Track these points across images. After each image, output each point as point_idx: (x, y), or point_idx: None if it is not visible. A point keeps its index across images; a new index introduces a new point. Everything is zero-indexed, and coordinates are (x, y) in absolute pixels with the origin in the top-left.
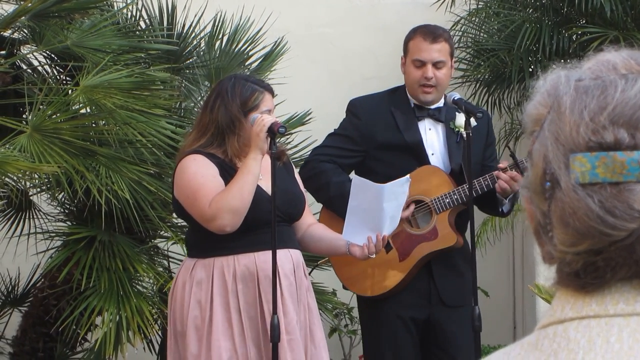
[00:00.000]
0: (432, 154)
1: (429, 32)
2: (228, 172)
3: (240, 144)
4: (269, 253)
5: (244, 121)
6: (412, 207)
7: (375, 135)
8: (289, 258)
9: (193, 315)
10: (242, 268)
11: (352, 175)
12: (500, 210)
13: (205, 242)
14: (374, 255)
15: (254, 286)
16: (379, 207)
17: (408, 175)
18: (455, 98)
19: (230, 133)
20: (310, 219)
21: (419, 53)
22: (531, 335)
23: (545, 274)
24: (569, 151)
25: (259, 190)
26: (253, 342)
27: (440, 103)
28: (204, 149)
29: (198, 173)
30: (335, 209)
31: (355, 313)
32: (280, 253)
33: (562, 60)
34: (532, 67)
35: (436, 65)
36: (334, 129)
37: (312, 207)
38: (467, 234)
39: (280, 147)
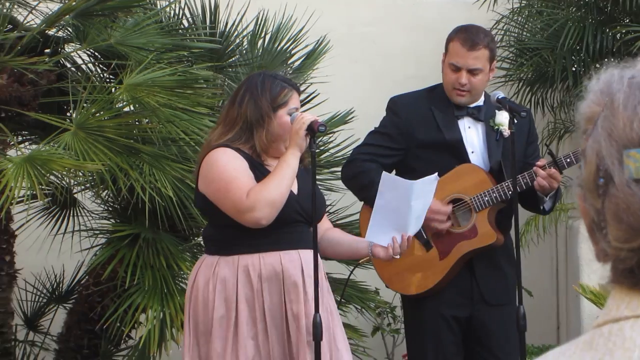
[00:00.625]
0: (472, 152)
1: (468, 39)
2: (257, 167)
3: (268, 139)
4: (294, 253)
5: (273, 117)
6: (449, 223)
7: (414, 133)
8: (311, 259)
9: (219, 314)
10: (267, 267)
11: (383, 173)
12: (541, 208)
13: (229, 238)
14: (398, 256)
15: (279, 286)
16: (407, 205)
17: (436, 174)
18: (499, 97)
19: (259, 127)
20: (327, 224)
21: (456, 58)
22: (586, 334)
23: (590, 274)
24: (622, 147)
25: None
26: (277, 342)
27: (480, 102)
28: (232, 143)
29: (230, 165)
30: None
31: (398, 312)
32: (304, 254)
33: (606, 60)
34: (575, 66)
35: (472, 72)
36: (375, 127)
37: (355, 205)
38: (511, 233)
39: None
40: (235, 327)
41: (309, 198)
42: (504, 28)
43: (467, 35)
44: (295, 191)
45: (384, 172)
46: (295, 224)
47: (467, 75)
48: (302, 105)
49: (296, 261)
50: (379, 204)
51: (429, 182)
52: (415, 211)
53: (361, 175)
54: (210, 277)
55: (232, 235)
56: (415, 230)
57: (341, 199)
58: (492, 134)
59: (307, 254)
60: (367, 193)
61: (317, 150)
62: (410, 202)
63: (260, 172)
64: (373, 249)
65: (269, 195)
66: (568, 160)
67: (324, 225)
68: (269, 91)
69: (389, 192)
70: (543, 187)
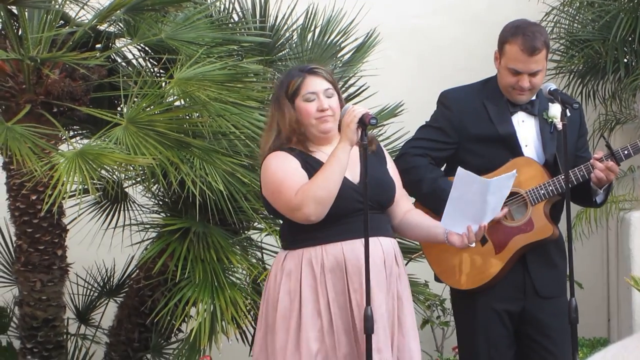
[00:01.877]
0: (526, 146)
1: (528, 45)
2: (309, 163)
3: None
4: (357, 242)
5: (292, 109)
6: (507, 208)
7: (467, 127)
8: (378, 246)
9: (283, 306)
10: (330, 258)
11: (458, 168)
12: (594, 200)
13: (295, 233)
14: (473, 245)
15: (342, 276)
16: (482, 200)
17: (514, 171)
18: (551, 89)
19: (286, 124)
20: (407, 205)
21: (516, 64)
22: None
23: None
24: None
25: (344, 180)
26: (344, 331)
27: (533, 96)
28: (282, 144)
29: (279, 167)
30: (427, 205)
31: (448, 304)
32: (372, 241)
33: None
34: (628, 57)
35: (533, 74)
36: (426, 121)
37: None
38: (562, 225)
39: (371, 136)
40: (299, 320)
41: (374, 183)
42: (554, 20)
43: (525, 40)
44: (355, 180)
45: (459, 167)
46: (357, 213)
47: (528, 78)
48: (352, 98)
49: (359, 250)
50: (453, 195)
51: (506, 179)
52: (491, 204)
53: (411, 171)
54: (278, 271)
55: (297, 229)
56: (489, 220)
57: None
58: (546, 127)
59: (373, 242)
60: (416, 189)
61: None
62: (486, 197)
63: (313, 167)
64: (449, 236)
65: (314, 192)
66: (626, 152)
67: (404, 208)
68: (280, 87)
69: (464, 187)
70: (600, 180)
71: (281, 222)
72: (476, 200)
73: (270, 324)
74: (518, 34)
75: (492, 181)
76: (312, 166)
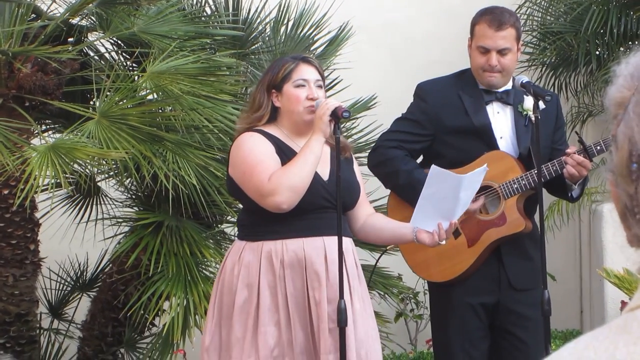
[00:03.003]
0: (501, 138)
1: (495, 19)
2: (283, 151)
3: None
4: (318, 239)
5: (279, 94)
6: (482, 199)
7: (443, 119)
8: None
9: (241, 299)
10: (290, 254)
11: (432, 165)
12: (569, 195)
13: (256, 224)
14: (444, 242)
15: (301, 272)
16: (455, 196)
17: (485, 165)
18: (523, 81)
19: (264, 109)
20: (369, 209)
21: (484, 40)
22: (619, 318)
23: (614, 258)
24: None
25: (314, 175)
26: (301, 328)
27: (509, 86)
28: (259, 126)
29: (254, 149)
30: (403, 197)
31: (421, 297)
32: (329, 240)
33: (630, 43)
34: (599, 49)
35: (501, 52)
36: (402, 114)
37: (379, 191)
38: (536, 218)
39: (344, 141)
40: (257, 314)
41: (344, 185)
42: (527, 12)
43: (493, 17)
44: (325, 177)
45: (433, 165)
46: (321, 210)
47: (496, 56)
48: (325, 92)
49: (320, 248)
50: (426, 192)
51: (478, 174)
52: (462, 200)
53: (386, 163)
54: (236, 262)
55: (258, 221)
56: (459, 216)
57: (365, 184)
58: (520, 119)
59: (332, 241)
60: (392, 181)
61: (338, 136)
62: (458, 194)
63: (286, 155)
64: (418, 234)
65: (289, 180)
66: (598, 147)
67: (366, 211)
68: (271, 71)
69: (437, 184)
70: (572, 175)
71: (241, 208)
72: (448, 196)
73: (226, 314)
74: (486, 13)
75: (466, 177)
76: (285, 154)
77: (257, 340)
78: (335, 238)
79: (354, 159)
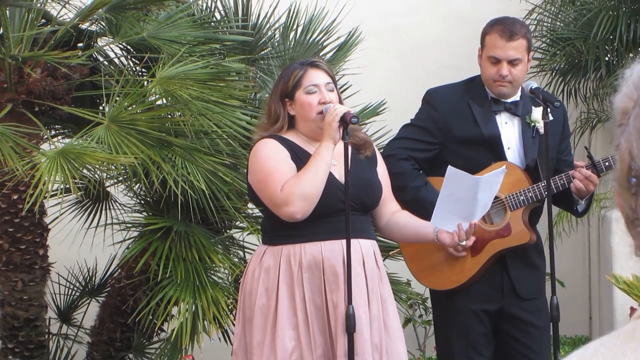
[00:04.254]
0: (508, 149)
1: (506, 30)
2: (299, 156)
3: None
4: (337, 242)
5: (291, 102)
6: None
7: (452, 128)
8: (357, 249)
9: (260, 302)
10: (308, 257)
11: (449, 166)
12: (575, 209)
13: (276, 229)
14: (464, 243)
15: (319, 276)
16: (473, 197)
17: (504, 166)
18: (533, 87)
19: (281, 117)
20: (394, 206)
21: (494, 50)
22: (627, 325)
23: (623, 264)
24: None
25: (330, 178)
26: (320, 331)
27: (517, 97)
28: (276, 132)
29: (269, 157)
30: (410, 211)
31: (430, 303)
32: (352, 243)
33: None
34: (609, 56)
35: (512, 62)
36: (410, 119)
37: None
38: (545, 225)
39: (365, 139)
40: (275, 317)
41: (360, 185)
42: (537, 18)
43: (504, 27)
44: (342, 180)
45: (449, 166)
46: (340, 213)
47: (507, 67)
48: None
49: (338, 251)
50: (444, 193)
51: (496, 175)
52: (481, 201)
53: (395, 177)
54: (256, 266)
55: (278, 225)
56: (480, 217)
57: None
58: (528, 130)
59: (353, 244)
60: (399, 196)
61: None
62: (477, 195)
63: (302, 160)
64: (439, 234)
65: (301, 189)
66: (607, 164)
67: (391, 209)
68: (281, 80)
69: (454, 185)
70: (579, 190)
71: (263, 215)
72: (466, 197)
73: (248, 317)
74: (497, 23)
75: (483, 178)
76: (301, 160)
77: (276, 344)
78: (355, 241)
79: (378, 156)
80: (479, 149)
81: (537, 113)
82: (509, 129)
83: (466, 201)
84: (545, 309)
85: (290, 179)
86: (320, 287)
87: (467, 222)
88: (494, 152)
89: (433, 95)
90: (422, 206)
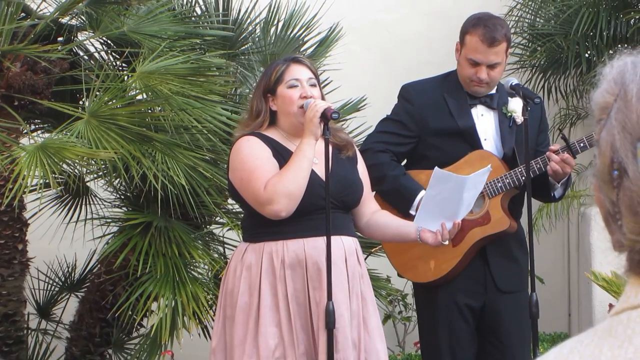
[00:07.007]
0: (485, 140)
1: (488, 35)
2: (281, 153)
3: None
4: (319, 239)
5: (273, 97)
6: None
7: (427, 120)
8: (340, 245)
9: (243, 300)
10: (290, 254)
11: (435, 168)
12: (552, 195)
13: (257, 226)
14: (447, 242)
15: (302, 273)
16: (458, 197)
17: (489, 165)
18: (513, 84)
19: (263, 113)
20: (374, 206)
21: (475, 54)
22: (604, 322)
23: (602, 261)
24: (636, 140)
25: (312, 175)
26: (302, 328)
27: (493, 90)
28: (256, 129)
29: (251, 155)
30: (389, 201)
31: (409, 300)
32: (333, 240)
33: (619, 46)
34: (589, 52)
35: (491, 66)
36: (387, 114)
37: None
38: (523, 220)
39: (346, 139)
40: (257, 315)
41: (342, 183)
42: (517, 14)
43: (486, 31)
44: (323, 177)
45: (436, 167)
46: (321, 211)
47: (486, 70)
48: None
49: (320, 248)
50: (429, 194)
51: (481, 174)
52: (466, 200)
53: (373, 168)
54: (238, 263)
55: (259, 222)
56: (463, 216)
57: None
58: (505, 121)
59: (335, 241)
60: (378, 186)
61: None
62: (462, 195)
63: (283, 157)
64: (421, 234)
65: (285, 187)
66: (582, 145)
67: (371, 208)
68: (264, 76)
69: (440, 185)
70: (556, 173)
71: (243, 212)
72: (452, 197)
73: (229, 316)
74: (479, 25)
75: (469, 178)
76: (282, 157)
77: (258, 342)
78: (337, 238)
79: (358, 156)
80: (455, 140)
81: (513, 104)
82: (485, 121)
83: (451, 201)
84: (526, 305)
85: (273, 177)
86: (303, 284)
87: (451, 222)
88: (471, 143)
89: (408, 89)
90: (402, 194)
